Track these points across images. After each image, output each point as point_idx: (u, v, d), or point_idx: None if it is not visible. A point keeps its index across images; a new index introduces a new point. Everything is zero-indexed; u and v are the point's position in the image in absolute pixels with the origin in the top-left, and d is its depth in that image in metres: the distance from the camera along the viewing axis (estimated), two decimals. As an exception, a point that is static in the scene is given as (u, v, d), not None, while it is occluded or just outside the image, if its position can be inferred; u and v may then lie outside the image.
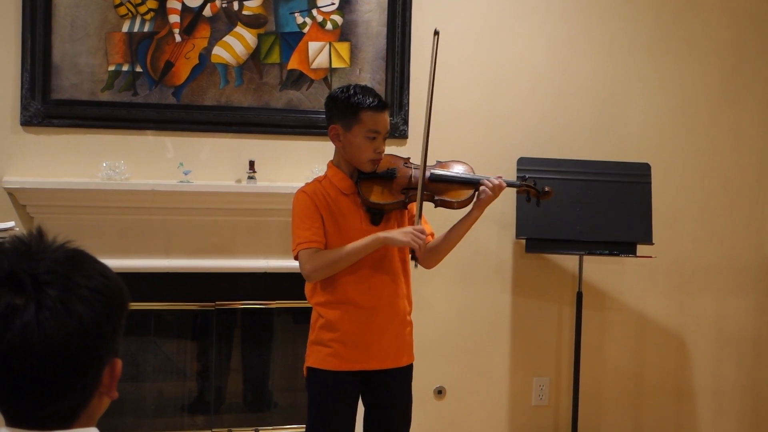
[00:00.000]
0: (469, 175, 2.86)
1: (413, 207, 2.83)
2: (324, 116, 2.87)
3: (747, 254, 4.28)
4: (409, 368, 2.89)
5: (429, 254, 2.85)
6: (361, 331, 2.74)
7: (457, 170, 2.88)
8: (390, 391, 2.84)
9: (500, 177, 2.84)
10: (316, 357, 2.78)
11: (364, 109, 2.70)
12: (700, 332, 4.27)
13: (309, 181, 2.87)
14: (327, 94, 2.92)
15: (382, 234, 2.69)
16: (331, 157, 2.86)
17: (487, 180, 2.81)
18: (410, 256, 2.81)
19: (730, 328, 4.30)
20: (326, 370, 2.76)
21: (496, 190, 2.80)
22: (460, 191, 2.83)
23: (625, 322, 4.19)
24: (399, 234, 2.69)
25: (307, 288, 2.83)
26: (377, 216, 2.78)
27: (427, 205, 2.82)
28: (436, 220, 3.00)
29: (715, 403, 4.30)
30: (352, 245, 2.68)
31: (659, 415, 4.25)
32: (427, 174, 2.80)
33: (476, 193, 2.82)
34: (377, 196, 2.75)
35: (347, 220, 2.74)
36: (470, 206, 2.84)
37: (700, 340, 4.27)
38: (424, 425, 3.96)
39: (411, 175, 2.80)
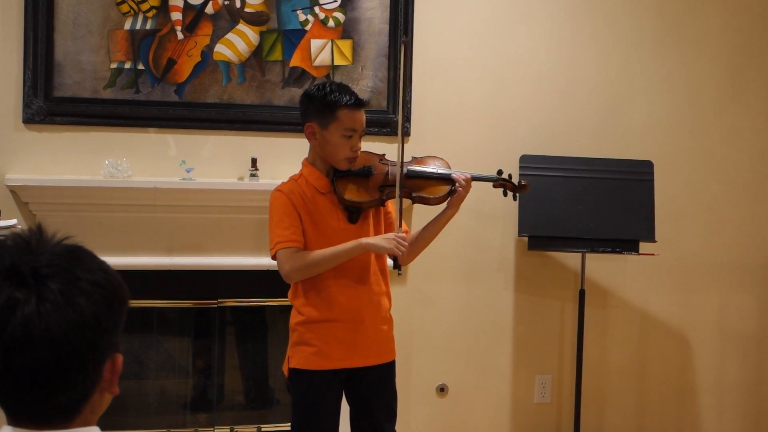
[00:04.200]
0: (445, 171, 2.85)
1: (390, 204, 2.82)
2: None
3: (750, 252, 4.28)
4: (392, 364, 2.88)
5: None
6: (345, 328, 2.73)
7: (433, 166, 2.87)
8: (374, 388, 2.83)
9: (467, 174, 2.83)
10: (299, 357, 2.75)
11: (341, 107, 2.67)
12: (703, 330, 4.26)
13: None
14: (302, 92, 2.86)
15: (364, 240, 2.66)
16: None
17: (457, 175, 2.80)
18: (393, 262, 2.76)
19: (733, 326, 4.29)
20: (311, 370, 2.73)
21: (466, 186, 2.80)
22: (437, 187, 2.83)
23: (627, 319, 4.18)
24: (382, 241, 2.66)
25: (290, 289, 2.81)
26: (354, 214, 2.76)
27: (404, 201, 2.80)
28: (408, 218, 3.00)
29: (717, 400, 4.30)
30: (334, 249, 2.65)
31: (662, 413, 4.25)
32: (404, 171, 2.78)
33: (453, 189, 2.81)
34: (354, 194, 2.73)
35: (325, 219, 2.72)
36: (446, 203, 2.83)
37: (703, 338, 4.26)
38: (427, 423, 3.96)
39: (387, 172, 2.79)
